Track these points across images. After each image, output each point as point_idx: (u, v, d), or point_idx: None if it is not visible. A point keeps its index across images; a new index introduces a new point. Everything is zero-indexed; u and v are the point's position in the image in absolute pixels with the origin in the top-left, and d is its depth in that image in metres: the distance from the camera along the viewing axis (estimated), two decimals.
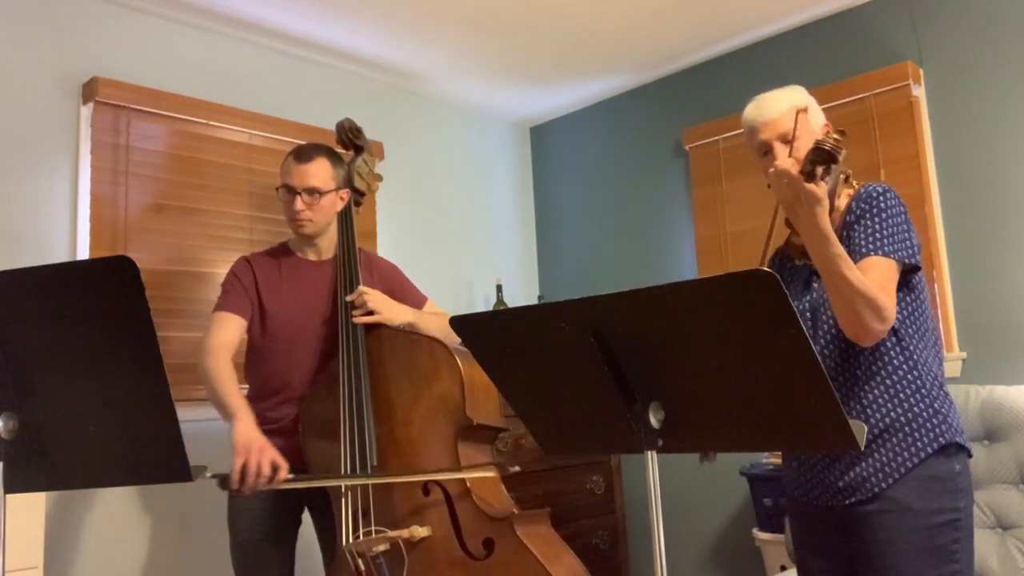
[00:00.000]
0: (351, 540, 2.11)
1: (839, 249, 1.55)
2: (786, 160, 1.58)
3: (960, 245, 2.97)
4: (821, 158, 1.51)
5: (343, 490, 2.15)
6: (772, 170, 1.58)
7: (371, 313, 2.29)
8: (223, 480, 2.04)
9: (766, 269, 1.11)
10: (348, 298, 2.32)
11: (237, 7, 3.07)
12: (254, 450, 2.01)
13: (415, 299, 2.51)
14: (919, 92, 3.09)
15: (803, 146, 1.63)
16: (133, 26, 2.99)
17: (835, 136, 1.51)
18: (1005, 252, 2.87)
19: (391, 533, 2.10)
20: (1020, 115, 2.87)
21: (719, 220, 3.58)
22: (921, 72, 3.09)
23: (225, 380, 2.17)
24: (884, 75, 3.09)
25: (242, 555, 2.28)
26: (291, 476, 2.08)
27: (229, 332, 2.27)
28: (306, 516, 2.41)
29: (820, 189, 1.53)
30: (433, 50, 3.53)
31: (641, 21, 3.36)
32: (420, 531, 2.10)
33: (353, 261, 2.39)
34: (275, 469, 2.03)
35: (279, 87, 3.37)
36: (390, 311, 2.32)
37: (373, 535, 2.12)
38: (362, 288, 2.32)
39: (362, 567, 2.08)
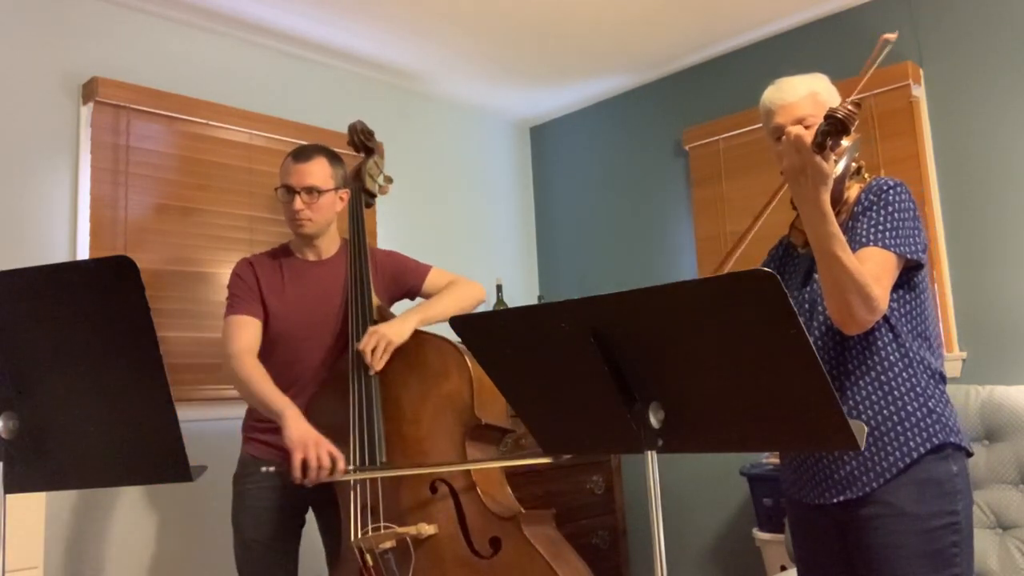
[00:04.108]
0: (359, 535, 2.12)
1: (835, 229, 1.52)
2: (800, 129, 1.54)
3: (960, 245, 2.97)
4: (833, 128, 1.46)
5: (352, 485, 2.16)
6: (784, 137, 1.54)
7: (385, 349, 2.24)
8: (283, 474, 2.11)
9: (766, 269, 1.10)
10: (360, 347, 2.24)
11: (237, 7, 3.07)
12: (311, 444, 2.06)
13: (417, 275, 2.50)
14: (919, 92, 3.08)
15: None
16: (133, 26, 2.99)
17: (849, 107, 1.46)
18: (1005, 252, 2.87)
19: (399, 530, 2.10)
20: (1020, 115, 2.87)
21: (719, 220, 3.58)
22: (921, 72, 3.09)
23: (262, 382, 2.18)
24: (884, 75, 3.08)
25: (247, 554, 2.29)
26: (350, 468, 2.13)
27: (249, 335, 2.27)
28: (309, 515, 2.41)
29: (828, 166, 1.49)
30: (433, 50, 3.53)
31: (641, 21, 3.36)
32: (427, 528, 2.10)
33: (366, 277, 2.34)
34: (334, 460, 2.08)
35: (279, 87, 3.37)
36: (399, 335, 2.26)
37: (381, 531, 2.12)
38: (367, 339, 2.24)
39: (370, 562, 2.08)
